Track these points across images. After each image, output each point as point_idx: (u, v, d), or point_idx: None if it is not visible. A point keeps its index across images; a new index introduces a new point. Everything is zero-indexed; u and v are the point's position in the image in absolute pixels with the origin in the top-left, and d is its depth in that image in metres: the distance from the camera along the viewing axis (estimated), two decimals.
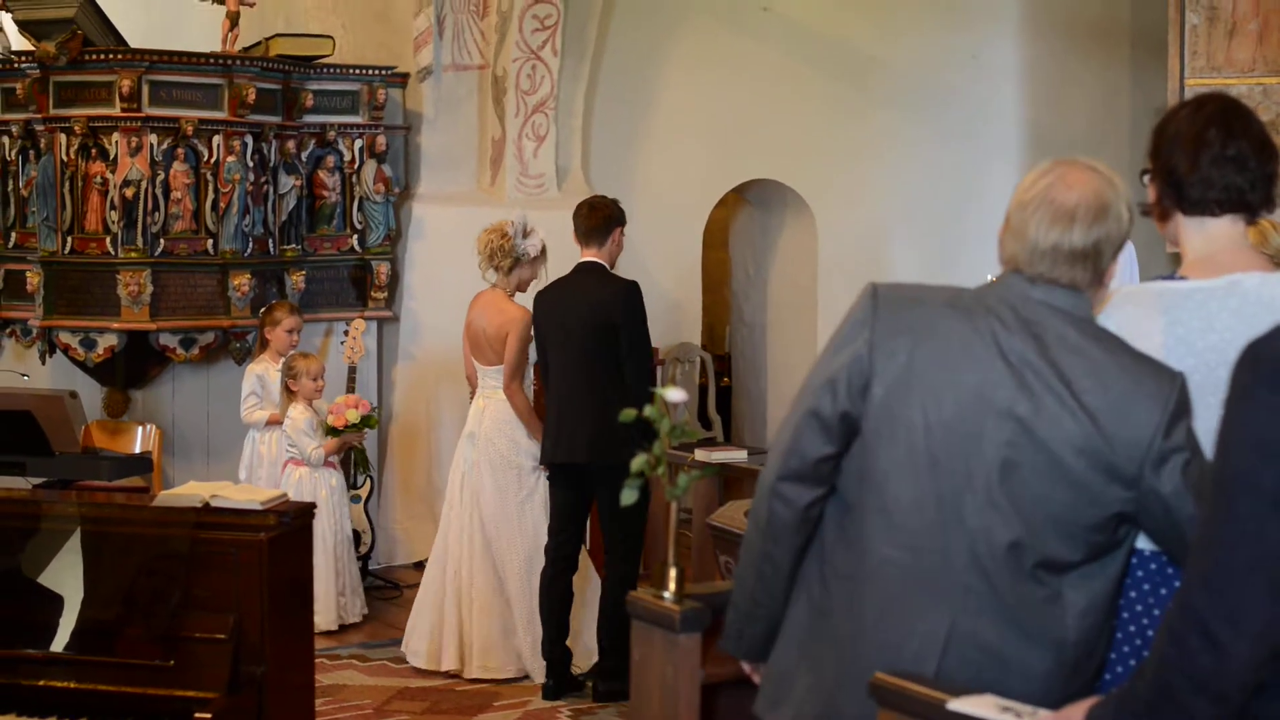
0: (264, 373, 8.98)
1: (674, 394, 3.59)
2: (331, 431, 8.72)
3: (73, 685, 4.90)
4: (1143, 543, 3.25)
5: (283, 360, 8.84)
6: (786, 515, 3.28)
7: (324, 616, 8.60)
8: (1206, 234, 3.41)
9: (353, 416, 8.67)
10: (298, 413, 8.66)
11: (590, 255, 7.63)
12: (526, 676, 7.84)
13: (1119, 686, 2.85)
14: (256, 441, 8.97)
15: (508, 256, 7.91)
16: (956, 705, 2.88)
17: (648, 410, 3.55)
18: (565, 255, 7.97)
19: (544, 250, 8.00)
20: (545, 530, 7.74)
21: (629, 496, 3.57)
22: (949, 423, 3.13)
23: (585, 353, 7.48)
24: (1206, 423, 3.19)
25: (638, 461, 3.54)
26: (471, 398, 8.20)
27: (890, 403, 3.18)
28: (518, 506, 7.87)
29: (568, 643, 7.71)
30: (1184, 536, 3.10)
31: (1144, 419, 3.06)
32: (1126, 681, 2.77)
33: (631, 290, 7.49)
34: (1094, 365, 3.09)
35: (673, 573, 3.68)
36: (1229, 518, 2.52)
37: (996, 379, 3.11)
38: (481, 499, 7.90)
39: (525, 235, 7.94)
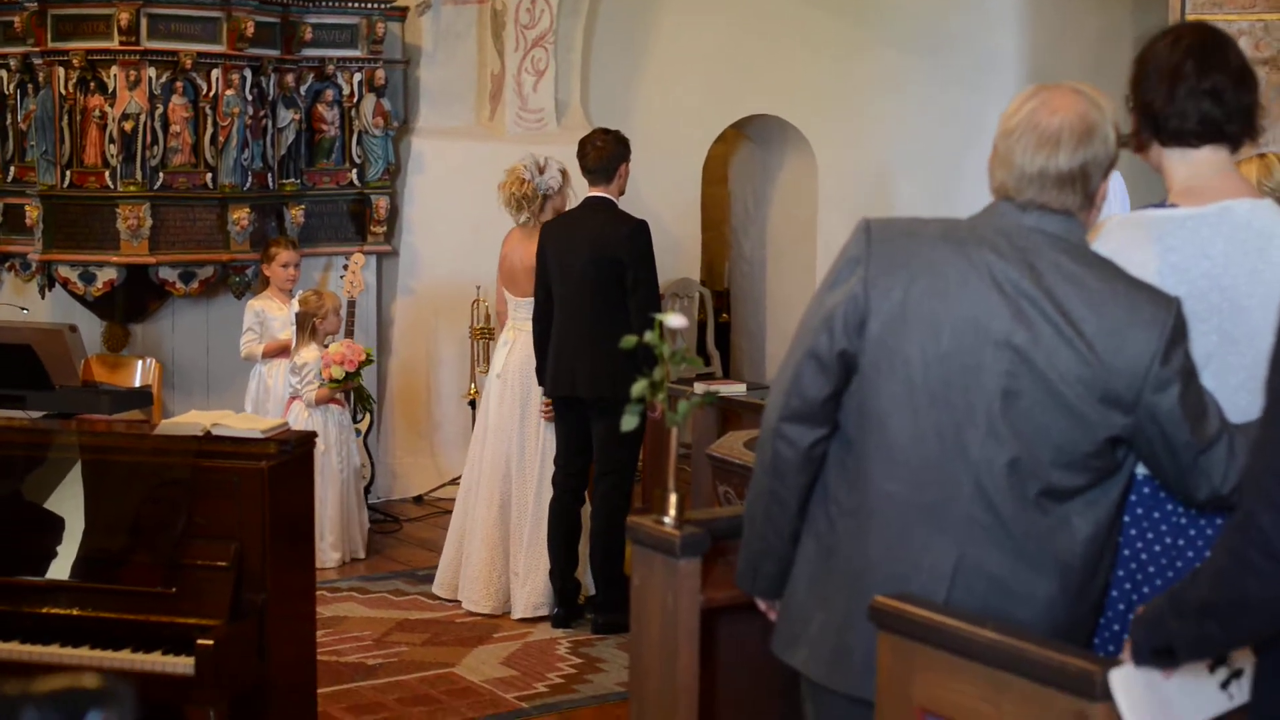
0: (263, 308, 9.00)
1: (674, 320, 3.60)
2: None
3: (75, 613, 4.94)
4: (1136, 467, 3.26)
5: (296, 298, 8.82)
6: (790, 455, 3.28)
7: (331, 554, 8.66)
8: (1190, 164, 3.42)
9: (337, 373, 8.60)
10: (307, 354, 8.64)
11: (598, 191, 7.62)
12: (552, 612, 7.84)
13: (1161, 595, 2.88)
14: (264, 375, 8.98)
15: (535, 199, 7.91)
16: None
17: (648, 336, 3.56)
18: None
19: (565, 174, 8.02)
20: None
21: (629, 422, 3.57)
22: (947, 355, 3.13)
23: (589, 288, 7.47)
24: (1200, 348, 3.22)
25: (638, 386, 3.54)
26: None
27: (887, 338, 3.17)
28: (537, 442, 7.88)
29: (576, 574, 7.75)
30: (1179, 462, 3.12)
31: (1141, 345, 3.06)
32: (1175, 587, 2.80)
33: (640, 229, 7.49)
34: (1089, 292, 3.09)
35: (672, 498, 3.69)
36: None
37: (993, 309, 3.10)
38: (511, 436, 7.92)
39: (541, 171, 7.94)
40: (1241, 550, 2.59)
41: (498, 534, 7.94)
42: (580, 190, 7.90)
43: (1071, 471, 3.10)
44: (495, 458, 7.96)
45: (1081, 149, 3.14)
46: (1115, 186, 4.50)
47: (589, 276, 7.46)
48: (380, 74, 10.18)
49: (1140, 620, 2.81)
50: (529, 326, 7.89)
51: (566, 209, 7.95)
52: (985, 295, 3.11)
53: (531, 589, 7.83)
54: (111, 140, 9.04)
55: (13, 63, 9.44)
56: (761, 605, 3.54)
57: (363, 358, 8.72)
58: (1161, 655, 2.75)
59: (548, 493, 7.77)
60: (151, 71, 9.06)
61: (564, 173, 8.00)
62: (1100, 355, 3.05)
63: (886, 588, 3.14)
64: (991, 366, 3.10)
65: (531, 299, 7.86)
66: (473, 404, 10.12)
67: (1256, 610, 2.61)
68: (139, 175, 9.06)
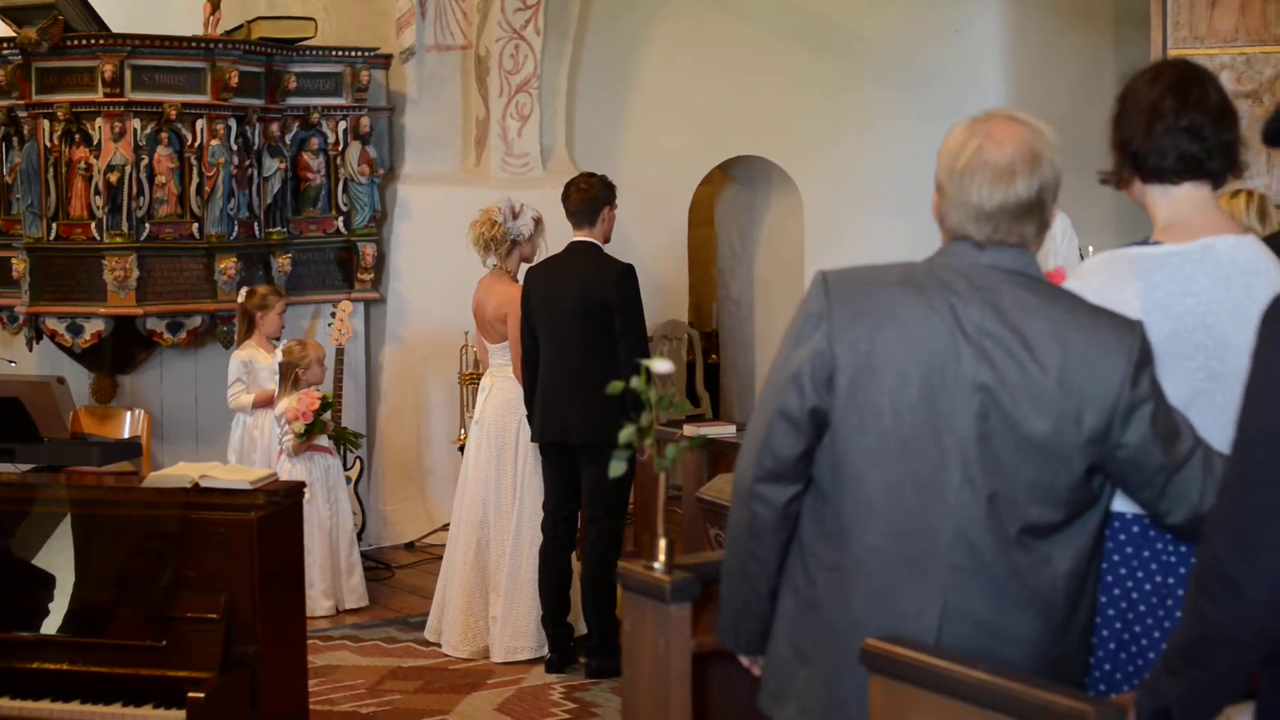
0: (250, 358, 8.96)
1: (661, 365, 3.59)
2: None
3: (66, 667, 4.93)
4: (1125, 505, 3.26)
5: (280, 349, 8.78)
6: (767, 515, 3.28)
7: (322, 603, 8.60)
8: (1172, 200, 3.43)
9: (298, 429, 8.53)
10: (287, 404, 8.61)
11: (582, 235, 7.61)
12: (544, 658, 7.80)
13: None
14: (249, 426, 8.96)
15: (503, 243, 7.89)
16: None
17: (635, 382, 3.56)
18: (556, 232, 7.98)
19: (539, 223, 7.98)
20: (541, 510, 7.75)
21: (617, 468, 3.58)
22: (916, 404, 3.12)
23: (576, 333, 7.44)
24: (1183, 384, 3.22)
25: (626, 433, 3.54)
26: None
27: (856, 391, 3.16)
28: (514, 488, 7.87)
29: (568, 618, 7.73)
30: (1154, 485, 3.12)
31: (1109, 372, 3.07)
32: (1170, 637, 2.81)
33: (627, 273, 7.47)
34: (1053, 325, 3.09)
35: (662, 543, 3.69)
36: (1253, 464, 2.56)
37: (959, 353, 3.10)
38: (488, 481, 7.90)
39: (515, 216, 7.91)
40: (1204, 582, 2.61)
41: (475, 578, 7.93)
42: (554, 243, 7.89)
43: (1050, 507, 3.10)
44: (473, 502, 7.95)
45: (1034, 176, 3.14)
46: (1059, 227, 4.50)
47: (577, 321, 7.44)
48: (365, 121, 10.20)
49: (1142, 686, 2.81)
50: (507, 372, 7.90)
51: (535, 259, 7.94)
52: (950, 339, 3.11)
53: (511, 633, 7.81)
54: (97, 192, 9.04)
55: None
56: (745, 661, 3.54)
57: (316, 405, 8.59)
58: (1161, 719, 2.74)
59: (526, 537, 7.76)
60: (136, 123, 9.07)
61: (538, 221, 7.95)
62: (1069, 386, 3.06)
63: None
64: (963, 410, 3.09)
65: (505, 344, 7.86)
66: (463, 449, 10.12)
67: (1225, 644, 2.61)
68: (125, 226, 9.06)
